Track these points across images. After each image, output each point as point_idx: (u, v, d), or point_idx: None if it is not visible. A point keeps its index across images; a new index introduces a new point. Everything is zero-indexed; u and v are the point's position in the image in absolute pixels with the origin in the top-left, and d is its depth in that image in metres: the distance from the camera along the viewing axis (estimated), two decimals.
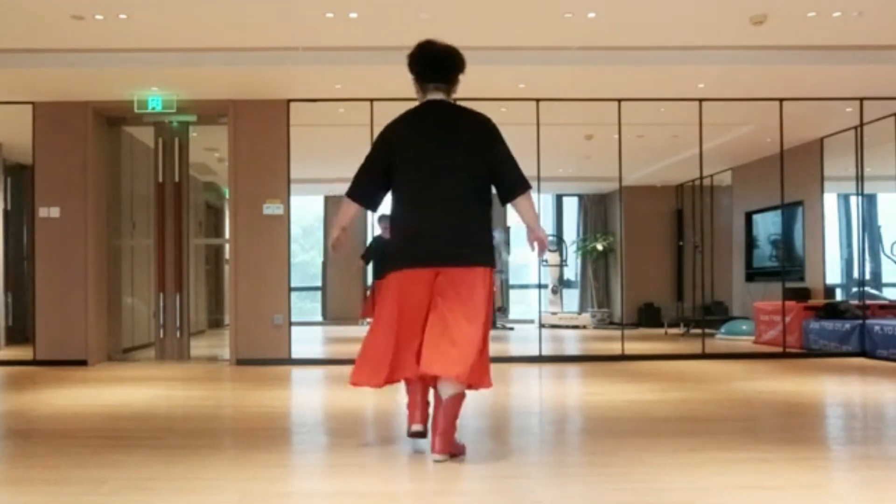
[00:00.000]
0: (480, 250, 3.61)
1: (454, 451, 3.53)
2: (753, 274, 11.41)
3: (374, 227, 9.35)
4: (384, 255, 10.23)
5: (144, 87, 7.75)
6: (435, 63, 3.68)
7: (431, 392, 3.65)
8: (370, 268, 10.28)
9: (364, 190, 3.74)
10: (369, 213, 7.60)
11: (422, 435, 3.63)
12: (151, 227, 8.55)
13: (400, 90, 7.70)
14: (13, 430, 4.66)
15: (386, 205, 3.82)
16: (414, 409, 3.66)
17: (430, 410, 3.65)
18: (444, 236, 3.56)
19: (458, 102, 3.81)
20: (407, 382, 3.70)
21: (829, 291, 9.78)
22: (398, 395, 6.34)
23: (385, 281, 3.72)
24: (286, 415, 5.19)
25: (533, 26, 6.41)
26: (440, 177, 3.57)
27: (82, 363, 7.88)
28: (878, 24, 6.40)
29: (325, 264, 14.78)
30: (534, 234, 3.67)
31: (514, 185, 3.63)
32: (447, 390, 3.49)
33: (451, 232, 3.57)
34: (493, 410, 5.01)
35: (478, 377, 3.58)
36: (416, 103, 3.76)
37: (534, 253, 3.72)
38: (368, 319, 10.55)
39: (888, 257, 9.40)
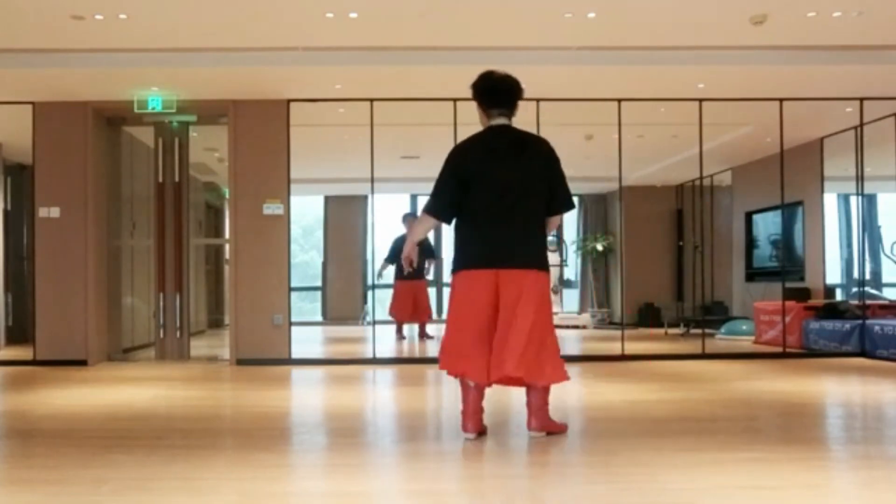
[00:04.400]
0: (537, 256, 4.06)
1: (551, 429, 4.07)
2: (753, 274, 11.40)
3: (370, 230, 9.36)
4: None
5: (144, 87, 7.75)
6: (501, 92, 4.12)
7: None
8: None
9: (443, 207, 4.11)
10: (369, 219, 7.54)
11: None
12: (151, 227, 8.54)
13: (400, 90, 7.80)
14: (13, 430, 4.66)
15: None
16: (468, 417, 4.02)
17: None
18: (508, 245, 3.98)
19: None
20: (476, 387, 4.02)
21: (829, 291, 9.77)
22: (396, 395, 6.35)
23: (453, 280, 4.10)
24: (286, 415, 5.18)
25: (533, 26, 6.41)
26: (509, 194, 3.97)
27: (82, 363, 7.88)
28: (878, 24, 6.40)
29: (325, 264, 14.79)
30: None
31: (564, 205, 4.16)
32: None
33: (515, 241, 3.99)
34: (493, 410, 5.00)
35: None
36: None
37: None
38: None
39: (888, 257, 9.40)
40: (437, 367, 4.31)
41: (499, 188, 3.99)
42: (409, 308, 10.37)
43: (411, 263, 4.31)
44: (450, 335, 4.09)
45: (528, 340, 3.89)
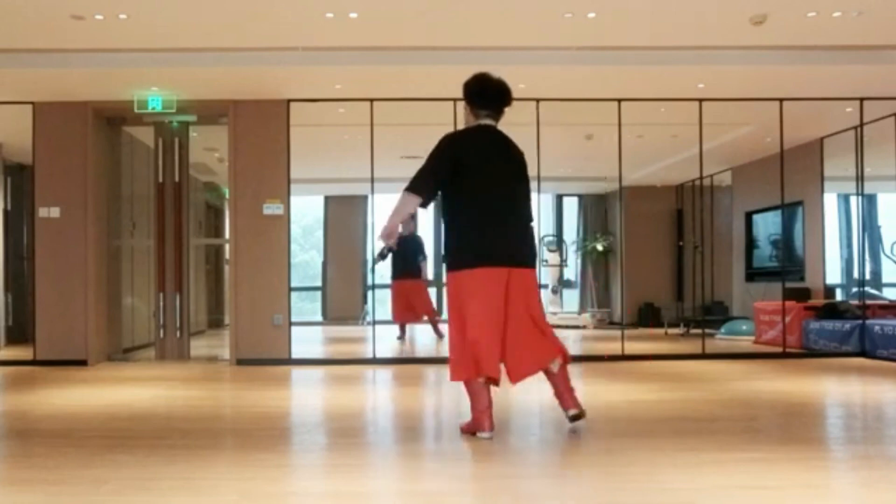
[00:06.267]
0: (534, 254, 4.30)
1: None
2: (753, 274, 11.41)
3: (370, 230, 9.35)
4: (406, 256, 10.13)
5: (144, 87, 7.75)
6: (494, 95, 4.24)
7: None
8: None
9: (428, 188, 4.17)
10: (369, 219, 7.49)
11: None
12: (151, 227, 8.55)
13: (400, 90, 7.80)
14: (13, 430, 4.66)
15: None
16: (487, 415, 4.02)
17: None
18: (521, 244, 4.14)
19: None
20: (486, 384, 4.04)
21: (829, 291, 9.78)
22: (396, 395, 6.35)
23: (457, 278, 4.09)
24: (286, 415, 5.19)
25: (533, 26, 6.41)
26: (508, 188, 4.14)
27: (82, 363, 7.88)
28: (878, 24, 6.40)
29: (325, 264, 14.79)
30: None
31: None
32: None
33: (525, 239, 4.17)
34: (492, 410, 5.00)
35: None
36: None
37: None
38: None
39: (888, 257, 9.40)
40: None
41: (499, 180, 4.11)
42: (404, 309, 10.21)
43: (393, 238, 4.21)
44: (470, 337, 3.99)
45: (543, 332, 4.11)
